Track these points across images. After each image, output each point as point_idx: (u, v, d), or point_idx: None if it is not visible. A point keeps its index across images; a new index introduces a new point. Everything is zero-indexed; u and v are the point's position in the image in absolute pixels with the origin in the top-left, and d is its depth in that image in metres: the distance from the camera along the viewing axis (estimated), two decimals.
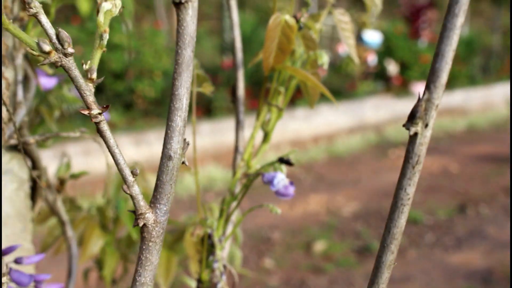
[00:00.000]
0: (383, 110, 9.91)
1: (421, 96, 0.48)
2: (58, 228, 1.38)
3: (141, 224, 0.69)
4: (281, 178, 0.94)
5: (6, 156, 1.05)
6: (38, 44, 0.66)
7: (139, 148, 7.39)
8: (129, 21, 1.19)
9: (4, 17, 0.65)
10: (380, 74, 11.16)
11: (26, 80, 1.05)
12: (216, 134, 8.08)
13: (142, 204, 0.69)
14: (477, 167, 7.40)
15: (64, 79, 1.26)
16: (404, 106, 9.90)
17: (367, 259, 4.65)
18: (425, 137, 0.49)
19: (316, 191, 6.36)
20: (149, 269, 0.70)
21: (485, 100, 11.50)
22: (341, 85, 10.34)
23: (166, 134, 0.72)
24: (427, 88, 0.47)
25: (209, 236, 0.99)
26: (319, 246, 4.98)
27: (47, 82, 1.17)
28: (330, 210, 5.82)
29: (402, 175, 0.50)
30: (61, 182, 1.20)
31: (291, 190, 0.95)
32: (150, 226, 0.69)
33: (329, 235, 5.24)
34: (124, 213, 1.41)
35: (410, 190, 0.50)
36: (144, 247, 0.70)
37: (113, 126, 7.92)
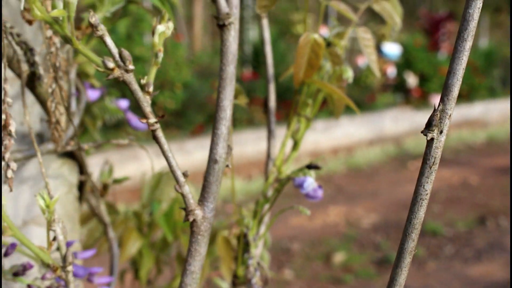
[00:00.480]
0: (402, 122, 9.97)
1: (436, 107, 0.58)
2: (98, 230, 1.48)
3: (191, 220, 0.79)
4: (310, 182, 1.04)
5: (57, 162, 1.15)
6: (103, 62, 0.76)
7: (161, 159, 7.49)
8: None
9: (74, 38, 0.75)
10: (399, 86, 11.23)
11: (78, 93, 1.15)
12: (235, 145, 8.15)
13: (192, 202, 0.79)
14: (497, 179, 7.43)
15: (106, 92, 1.36)
16: (423, 118, 9.94)
17: (387, 271, 4.68)
18: (440, 141, 0.58)
19: (335, 203, 6.42)
20: (198, 259, 0.79)
21: (505, 112, 11.52)
22: (361, 97, 10.41)
23: (212, 140, 0.82)
24: (442, 100, 0.57)
25: (244, 235, 1.09)
26: (339, 257, 5.03)
27: (92, 94, 1.28)
28: (349, 221, 5.87)
29: (421, 174, 0.59)
30: (104, 186, 1.30)
31: (320, 192, 1.04)
32: (199, 221, 0.79)
33: (348, 247, 5.28)
34: (159, 216, 1.51)
35: (428, 187, 0.60)
36: (193, 240, 0.79)
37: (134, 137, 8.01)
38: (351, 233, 5.59)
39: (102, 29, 0.75)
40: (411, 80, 10.92)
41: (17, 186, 1.12)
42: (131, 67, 0.76)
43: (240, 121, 8.68)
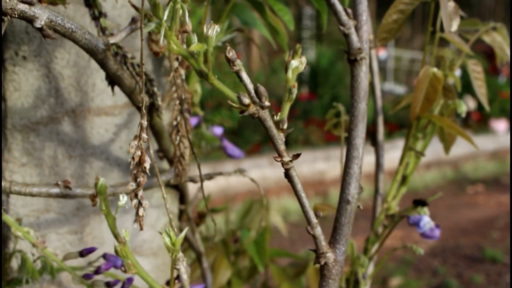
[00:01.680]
0: (460, 146, 9.79)
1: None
2: (189, 257, 1.46)
3: (322, 263, 0.76)
4: (426, 221, 1.00)
5: (160, 192, 1.14)
6: (239, 98, 0.74)
7: (216, 178, 7.50)
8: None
9: (210, 73, 0.73)
10: None
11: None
12: None
13: (324, 244, 0.76)
14: None
15: (203, 119, 1.34)
16: (482, 143, 9.77)
17: None
18: None
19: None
20: None
21: None
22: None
23: (344, 180, 0.79)
24: None
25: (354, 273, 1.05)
26: (395, 281, 4.95)
27: (191, 121, 1.26)
28: (406, 245, 5.78)
29: None
30: (201, 215, 1.28)
31: (437, 232, 1.00)
32: (330, 264, 0.76)
33: (405, 271, 5.19)
34: (248, 244, 1.48)
35: None
36: (324, 283, 0.76)
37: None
38: (408, 258, 5.50)
39: (239, 64, 0.73)
40: (470, 103, 10.74)
41: (121, 215, 1.10)
42: (267, 103, 0.74)
43: (296, 141, 8.64)
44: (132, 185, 0.73)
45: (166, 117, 1.07)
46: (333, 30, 10.70)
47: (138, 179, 0.73)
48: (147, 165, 0.73)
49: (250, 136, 8.44)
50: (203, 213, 1.28)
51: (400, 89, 10.42)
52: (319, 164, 7.90)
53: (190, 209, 1.24)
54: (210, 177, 1.01)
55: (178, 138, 0.92)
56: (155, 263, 1.17)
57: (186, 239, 1.30)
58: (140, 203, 0.75)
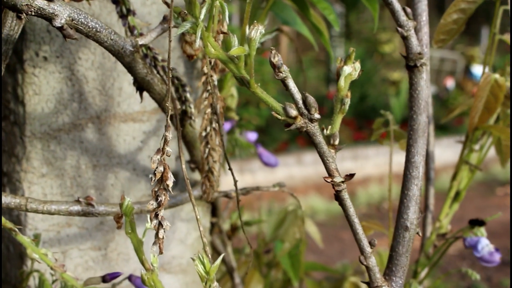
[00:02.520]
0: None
1: None
2: (219, 271, 1.38)
3: None
4: (485, 244, 0.90)
5: (190, 205, 1.05)
6: (284, 108, 0.65)
7: (243, 175, 7.41)
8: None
9: (252, 80, 0.64)
10: None
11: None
12: (318, 164, 8.01)
13: (378, 276, 0.66)
14: None
15: (236, 124, 1.26)
16: None
17: None
18: None
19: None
20: None
21: None
22: (448, 119, 10.11)
23: (402, 203, 0.69)
24: None
25: None
26: (424, 283, 4.85)
27: (224, 126, 1.18)
28: (461, 269, 5.67)
29: None
30: (233, 229, 1.19)
31: (497, 257, 0.90)
32: None
33: (433, 273, 5.09)
34: (282, 256, 1.39)
35: None
36: None
37: None
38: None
39: (285, 71, 0.64)
40: None
41: (149, 231, 1.02)
42: (316, 115, 0.65)
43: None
44: (152, 204, 0.65)
45: (198, 125, 0.99)
46: (362, 28, 10.56)
47: (160, 198, 0.64)
48: (170, 182, 0.64)
49: (278, 135, 8.34)
50: (236, 226, 1.19)
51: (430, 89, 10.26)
52: (347, 163, 7.80)
53: (222, 221, 1.15)
54: (246, 192, 0.92)
55: (207, 150, 0.82)
56: (184, 281, 1.08)
57: (217, 251, 1.21)
58: (160, 224, 0.66)
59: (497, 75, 0.91)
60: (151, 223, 0.66)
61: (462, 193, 1.01)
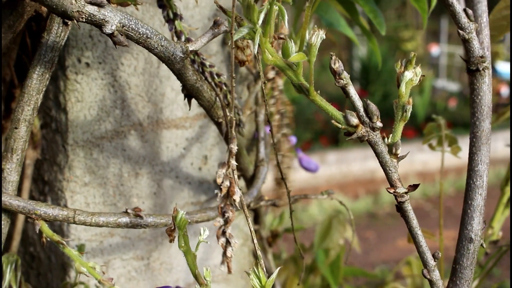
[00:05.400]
0: None
1: None
2: None
3: None
4: None
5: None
6: (345, 117, 0.62)
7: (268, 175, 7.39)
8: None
9: (312, 88, 0.61)
10: None
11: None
12: (342, 163, 7.98)
13: None
14: None
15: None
16: None
17: None
18: None
19: (444, 226, 6.14)
20: None
21: None
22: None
23: (466, 213, 0.66)
24: None
25: None
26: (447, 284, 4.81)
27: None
28: None
29: None
30: (274, 235, 1.17)
31: None
32: None
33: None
34: (323, 263, 1.37)
35: None
36: None
37: None
38: None
39: (346, 78, 0.62)
40: None
41: (191, 238, 0.99)
42: (379, 124, 0.62)
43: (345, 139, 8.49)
44: (219, 221, 0.62)
45: (245, 131, 0.96)
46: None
47: (227, 215, 0.62)
48: (237, 197, 0.62)
49: (301, 134, 8.31)
50: (276, 232, 1.16)
51: (453, 86, 10.16)
52: (370, 162, 7.76)
53: (262, 229, 1.13)
54: (295, 200, 0.89)
55: (279, 158, 0.80)
56: None
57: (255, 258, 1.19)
58: (228, 242, 0.64)
59: None
60: (218, 241, 0.63)
61: None
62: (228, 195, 0.62)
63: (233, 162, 0.61)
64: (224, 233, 0.64)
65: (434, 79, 10.00)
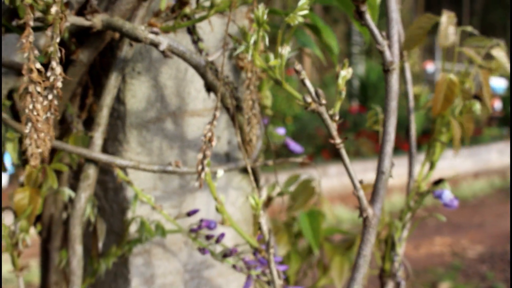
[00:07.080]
0: (507, 155, 9.95)
1: None
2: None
3: (364, 216, 1.06)
4: (447, 194, 1.29)
5: (239, 177, 1.45)
6: (304, 98, 1.04)
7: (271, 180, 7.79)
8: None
9: (283, 80, 1.04)
10: (504, 119, 11.22)
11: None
12: (343, 176, 8.35)
13: (365, 202, 1.06)
14: None
15: (270, 119, 1.66)
16: None
17: None
18: None
19: (441, 233, 6.48)
20: (368, 246, 1.06)
21: None
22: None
23: (380, 157, 1.09)
24: None
25: (391, 237, 1.35)
26: (444, 286, 5.05)
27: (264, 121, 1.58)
28: (455, 252, 5.90)
29: None
30: (269, 199, 1.59)
31: (455, 202, 1.29)
32: (370, 217, 1.06)
33: (454, 276, 5.30)
34: (306, 228, 1.78)
35: None
36: (366, 231, 1.06)
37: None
38: (456, 263, 5.62)
39: (304, 74, 1.04)
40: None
41: (209, 194, 1.42)
42: (323, 101, 1.04)
43: (347, 152, 8.85)
44: (200, 156, 1.04)
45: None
46: None
47: (206, 152, 1.04)
48: (213, 143, 1.04)
49: (304, 148, 8.72)
50: (271, 196, 1.59)
51: None
52: (370, 174, 8.10)
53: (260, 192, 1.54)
54: (281, 162, 1.32)
55: (249, 128, 1.22)
56: (235, 233, 1.48)
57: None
58: (202, 169, 1.05)
59: (451, 75, 1.31)
60: (197, 168, 1.04)
61: (435, 164, 1.40)
62: (209, 140, 1.05)
63: (215, 122, 1.04)
64: (202, 163, 1.05)
65: (430, 94, 10.40)
